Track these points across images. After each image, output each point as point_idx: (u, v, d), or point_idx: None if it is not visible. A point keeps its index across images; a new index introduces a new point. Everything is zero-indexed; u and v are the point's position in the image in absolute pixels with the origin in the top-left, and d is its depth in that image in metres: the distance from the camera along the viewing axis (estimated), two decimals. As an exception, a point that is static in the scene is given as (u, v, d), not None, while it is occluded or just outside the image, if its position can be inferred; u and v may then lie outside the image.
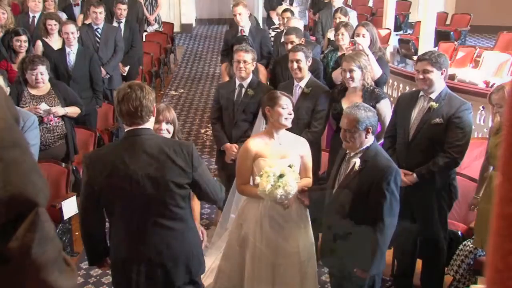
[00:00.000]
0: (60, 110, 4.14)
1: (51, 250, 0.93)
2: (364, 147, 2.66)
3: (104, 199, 2.26)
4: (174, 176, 2.20)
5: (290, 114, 2.91)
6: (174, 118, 2.76)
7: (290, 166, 2.77)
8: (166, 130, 2.69)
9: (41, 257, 0.91)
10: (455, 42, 8.18)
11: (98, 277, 3.84)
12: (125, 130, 2.25)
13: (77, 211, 3.89)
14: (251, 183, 2.97)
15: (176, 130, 2.76)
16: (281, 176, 2.69)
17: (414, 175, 3.13)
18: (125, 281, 2.34)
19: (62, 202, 3.70)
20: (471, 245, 3.20)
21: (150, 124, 2.25)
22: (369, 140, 2.66)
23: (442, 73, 3.07)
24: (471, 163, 3.72)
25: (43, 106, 4.02)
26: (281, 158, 2.85)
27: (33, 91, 4.11)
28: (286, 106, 2.89)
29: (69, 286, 0.98)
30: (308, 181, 2.99)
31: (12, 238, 0.88)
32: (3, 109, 0.88)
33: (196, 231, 2.45)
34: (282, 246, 2.88)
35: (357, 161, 2.65)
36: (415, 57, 6.01)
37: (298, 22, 5.21)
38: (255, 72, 4.09)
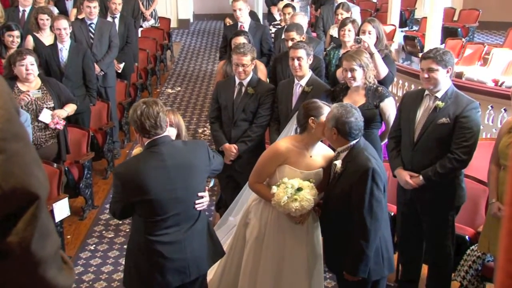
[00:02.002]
0: (62, 112, 4.16)
1: (50, 245, 0.94)
2: (347, 146, 2.68)
3: (141, 208, 2.50)
4: (199, 176, 2.57)
5: None
6: (179, 122, 2.80)
7: (309, 181, 2.76)
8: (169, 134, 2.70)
9: (41, 253, 0.91)
10: (463, 39, 8.18)
11: (98, 267, 3.88)
12: (147, 142, 2.50)
13: (69, 214, 3.90)
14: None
15: (182, 135, 2.78)
16: (299, 189, 2.69)
17: (420, 177, 3.13)
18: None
19: (54, 204, 3.69)
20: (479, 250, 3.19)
21: (168, 133, 2.57)
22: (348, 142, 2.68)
23: (447, 71, 3.07)
24: (480, 164, 3.71)
25: (33, 93, 3.99)
26: (307, 170, 2.83)
27: (24, 87, 4.09)
28: None
29: (67, 283, 0.99)
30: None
31: (12, 232, 0.88)
32: (5, 100, 0.89)
33: (209, 222, 2.76)
34: (289, 250, 2.88)
35: (338, 163, 2.68)
36: (420, 55, 6.01)
37: (303, 18, 5.21)
38: (254, 69, 4.08)
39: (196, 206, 2.52)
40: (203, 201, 2.57)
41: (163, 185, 2.43)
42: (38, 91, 4.05)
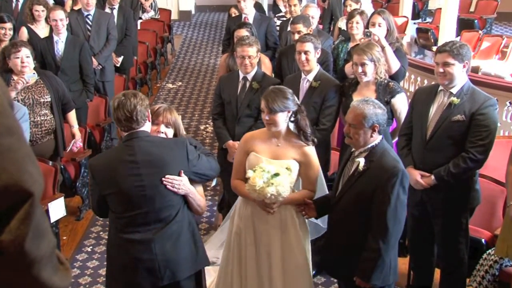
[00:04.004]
0: (78, 134, 4.36)
1: (46, 245, 0.94)
2: (370, 145, 2.66)
3: (111, 202, 2.53)
4: (172, 173, 2.47)
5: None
6: (177, 121, 2.76)
7: (287, 169, 2.77)
8: (164, 134, 2.69)
9: (35, 252, 0.91)
10: (480, 31, 8.14)
11: (95, 269, 3.90)
12: (123, 136, 2.52)
13: (65, 214, 3.92)
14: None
15: (179, 134, 2.76)
16: (276, 175, 2.70)
17: (432, 177, 3.11)
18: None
19: (49, 204, 3.70)
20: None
21: (146, 128, 2.52)
22: (375, 139, 2.65)
23: (464, 66, 3.05)
24: (497, 164, 3.69)
25: (29, 76, 3.99)
26: (274, 158, 2.84)
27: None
28: None
29: (63, 284, 0.99)
30: (309, 194, 2.92)
31: (5, 230, 0.88)
32: None
33: (195, 229, 2.65)
34: (274, 256, 2.89)
35: (361, 161, 2.64)
36: (434, 48, 5.98)
37: (316, 11, 5.20)
38: (258, 63, 4.08)
39: (164, 182, 2.44)
40: (175, 181, 2.46)
41: (131, 181, 2.42)
42: (34, 74, 4.06)
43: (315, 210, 2.89)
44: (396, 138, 3.58)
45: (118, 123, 2.50)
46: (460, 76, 3.06)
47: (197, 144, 2.76)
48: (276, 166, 2.75)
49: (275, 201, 2.74)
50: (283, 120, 2.82)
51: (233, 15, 6.51)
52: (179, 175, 2.48)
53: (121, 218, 2.51)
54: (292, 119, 2.87)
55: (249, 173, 2.74)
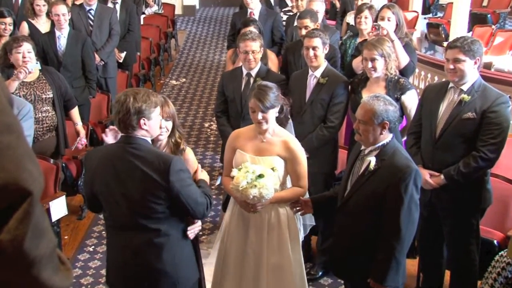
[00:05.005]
0: (83, 132, 4.38)
1: (45, 245, 0.95)
2: (381, 144, 2.65)
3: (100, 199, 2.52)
4: (148, 189, 2.36)
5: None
6: (174, 112, 2.78)
7: (273, 169, 2.78)
8: (165, 128, 2.69)
9: (34, 252, 0.92)
10: (493, 26, 8.09)
11: (97, 269, 3.92)
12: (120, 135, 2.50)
13: (66, 213, 3.94)
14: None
15: (176, 125, 2.77)
16: (260, 176, 2.70)
17: (442, 176, 3.10)
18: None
19: (50, 203, 3.72)
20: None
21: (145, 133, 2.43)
22: (386, 136, 2.64)
23: (475, 63, 3.03)
24: (510, 163, 3.68)
25: (32, 66, 4.02)
26: (257, 154, 2.87)
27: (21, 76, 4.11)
28: None
29: (64, 285, 0.99)
30: (299, 191, 2.93)
31: (3, 230, 0.89)
32: None
33: (184, 243, 2.54)
34: (264, 257, 2.91)
35: (372, 160, 2.63)
36: (445, 44, 5.95)
37: (321, 5, 5.19)
38: (264, 58, 4.07)
39: (188, 233, 2.51)
40: (195, 227, 2.55)
41: (106, 184, 2.42)
42: (37, 64, 4.08)
43: (312, 207, 2.91)
44: (405, 137, 3.57)
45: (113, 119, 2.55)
46: (471, 73, 3.05)
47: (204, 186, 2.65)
48: (262, 166, 2.76)
49: (258, 202, 2.76)
50: (273, 116, 2.87)
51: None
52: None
53: (105, 216, 2.59)
54: (277, 114, 2.90)
55: (234, 172, 2.77)
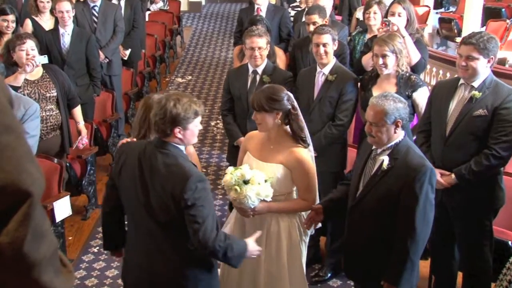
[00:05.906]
0: (84, 131, 4.40)
1: (46, 247, 0.95)
2: (393, 142, 2.64)
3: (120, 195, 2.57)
4: (162, 197, 2.35)
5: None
6: None
7: (266, 181, 2.74)
8: None
9: (34, 255, 0.92)
10: (508, 21, 8.01)
11: (102, 271, 3.94)
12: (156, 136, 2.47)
13: (70, 213, 3.96)
14: None
15: None
16: (245, 182, 2.70)
17: (453, 175, 3.09)
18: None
19: (54, 203, 3.74)
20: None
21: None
22: (399, 135, 2.64)
23: (489, 61, 3.00)
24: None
25: (39, 59, 4.04)
26: (262, 160, 2.86)
27: (25, 76, 4.14)
28: None
29: (65, 287, 1.00)
30: (303, 204, 2.87)
31: (3, 232, 0.89)
32: None
33: (197, 263, 2.46)
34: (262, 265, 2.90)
35: (385, 159, 2.62)
36: (458, 39, 5.92)
37: (329, 0, 5.17)
38: (271, 55, 4.07)
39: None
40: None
41: (130, 179, 2.44)
42: (44, 57, 4.12)
43: (323, 214, 2.87)
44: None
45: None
46: (483, 71, 3.02)
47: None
48: (259, 173, 2.73)
49: (239, 206, 2.77)
50: (271, 121, 2.79)
51: None
52: None
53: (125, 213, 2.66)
54: (279, 122, 2.82)
55: (229, 169, 2.80)
